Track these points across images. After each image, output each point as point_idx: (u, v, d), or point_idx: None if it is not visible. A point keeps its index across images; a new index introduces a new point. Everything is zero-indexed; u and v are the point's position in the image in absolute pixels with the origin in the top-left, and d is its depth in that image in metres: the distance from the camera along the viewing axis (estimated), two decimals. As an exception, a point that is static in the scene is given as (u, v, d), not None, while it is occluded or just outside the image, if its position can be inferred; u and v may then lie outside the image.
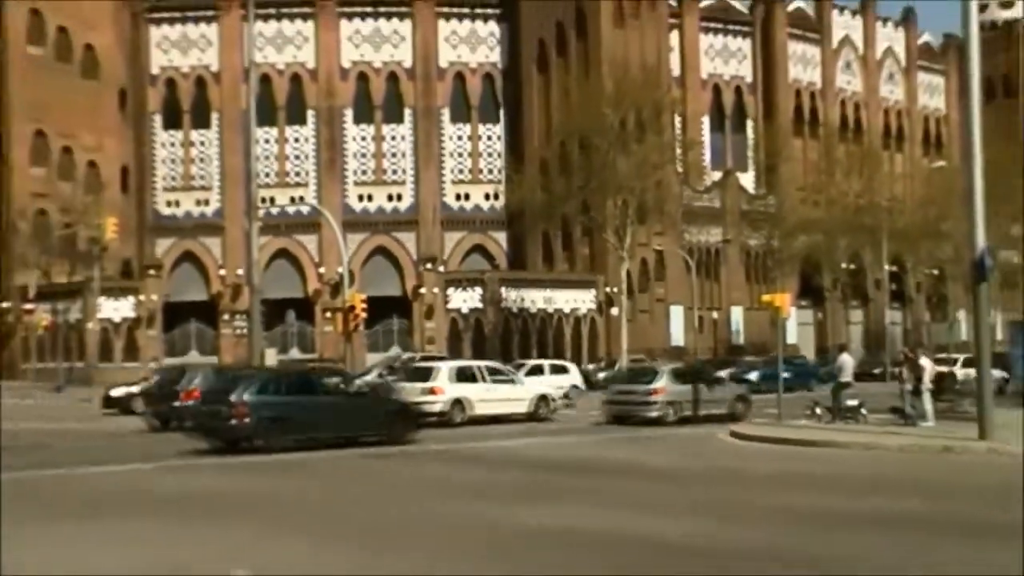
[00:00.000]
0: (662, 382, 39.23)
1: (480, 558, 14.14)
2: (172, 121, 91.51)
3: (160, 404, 40.25)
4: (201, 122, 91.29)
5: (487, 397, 40.85)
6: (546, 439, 34.42)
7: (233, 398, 30.58)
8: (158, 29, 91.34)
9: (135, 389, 46.15)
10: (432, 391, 39.75)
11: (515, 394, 42.94)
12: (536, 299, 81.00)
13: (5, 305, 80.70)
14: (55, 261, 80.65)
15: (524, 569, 13.27)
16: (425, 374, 42.48)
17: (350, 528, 16.73)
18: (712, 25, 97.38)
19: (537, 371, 55.48)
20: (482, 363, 48.96)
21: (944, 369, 36.94)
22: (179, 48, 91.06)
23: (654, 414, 38.18)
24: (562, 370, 58.04)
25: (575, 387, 54.82)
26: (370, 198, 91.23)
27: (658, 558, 13.64)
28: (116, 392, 47.87)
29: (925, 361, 35.17)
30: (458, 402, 39.62)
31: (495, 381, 42.97)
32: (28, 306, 77.98)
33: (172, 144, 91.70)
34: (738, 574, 12.89)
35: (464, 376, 42.18)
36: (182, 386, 38.71)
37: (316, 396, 33.52)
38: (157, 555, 14.17)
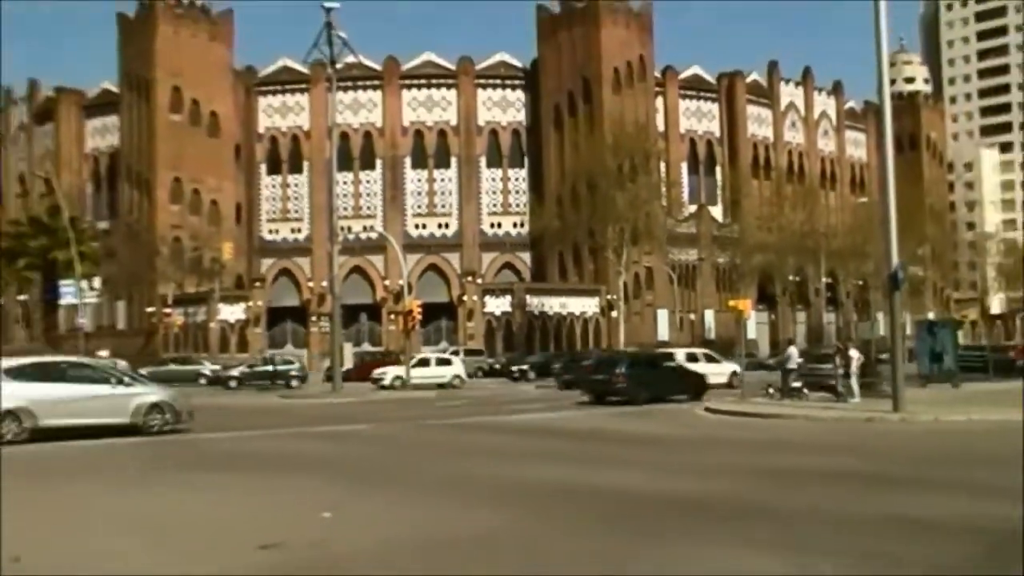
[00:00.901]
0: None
1: (507, 504, 13.87)
2: (274, 168, 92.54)
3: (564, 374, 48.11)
4: (295, 169, 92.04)
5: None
6: (550, 414, 32.95)
7: (617, 370, 37.81)
8: (264, 99, 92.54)
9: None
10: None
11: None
12: (553, 304, 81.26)
13: (150, 309, 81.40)
14: (187, 276, 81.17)
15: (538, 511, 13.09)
16: None
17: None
18: (688, 92, 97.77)
19: (423, 363, 53.50)
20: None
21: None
22: (279, 113, 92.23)
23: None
24: (446, 362, 56.01)
25: (458, 376, 53.19)
26: (424, 226, 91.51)
27: (660, 506, 13.39)
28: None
29: (853, 352, 35.69)
30: None
31: None
32: (167, 310, 78.52)
33: (273, 186, 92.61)
34: (719, 516, 12.50)
35: None
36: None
37: (658, 369, 40.49)
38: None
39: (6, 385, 23.68)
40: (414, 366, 50.82)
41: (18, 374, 24.89)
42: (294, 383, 54.94)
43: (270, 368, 57.07)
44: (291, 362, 61.10)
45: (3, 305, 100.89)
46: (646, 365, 40.88)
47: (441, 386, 50.69)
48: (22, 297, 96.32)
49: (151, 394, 26.65)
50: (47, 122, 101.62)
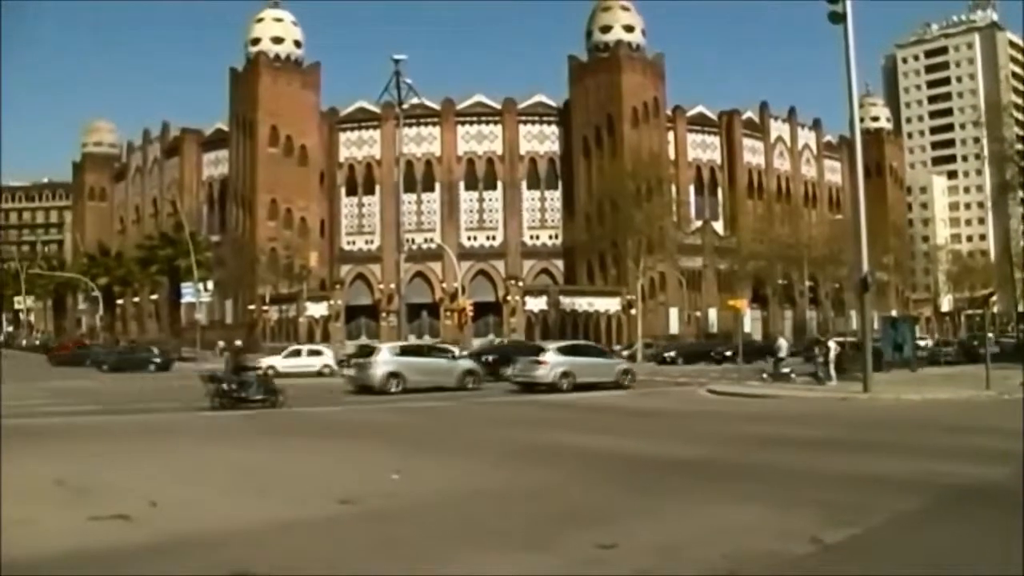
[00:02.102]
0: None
1: (534, 462, 14.24)
2: (351, 191, 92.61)
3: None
4: (369, 191, 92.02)
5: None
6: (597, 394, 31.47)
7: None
8: (344, 134, 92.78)
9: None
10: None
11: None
12: (582, 304, 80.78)
13: (251, 307, 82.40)
14: (280, 279, 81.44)
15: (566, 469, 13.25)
16: None
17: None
18: (694, 127, 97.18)
19: (295, 354, 48.19)
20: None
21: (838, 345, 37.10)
22: (356, 145, 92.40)
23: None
24: (317, 353, 49.99)
25: (327, 367, 45.89)
26: (475, 238, 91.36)
27: (665, 467, 13.58)
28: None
29: (831, 343, 35.70)
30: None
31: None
32: (265, 307, 79.82)
33: (351, 205, 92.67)
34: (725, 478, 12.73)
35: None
36: None
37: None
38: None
39: (389, 358, 32.65)
40: (287, 356, 47.12)
41: (395, 351, 33.98)
42: None
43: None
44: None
45: (139, 303, 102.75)
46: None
47: (314, 375, 44.76)
48: (153, 297, 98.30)
49: (468, 365, 35.21)
50: (174, 156, 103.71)
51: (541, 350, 34.79)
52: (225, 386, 24.59)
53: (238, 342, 38.17)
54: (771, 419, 22.05)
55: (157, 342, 69.56)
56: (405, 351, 34.86)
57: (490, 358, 41.41)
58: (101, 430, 19.96)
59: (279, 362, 44.85)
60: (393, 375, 31.66)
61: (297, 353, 48.79)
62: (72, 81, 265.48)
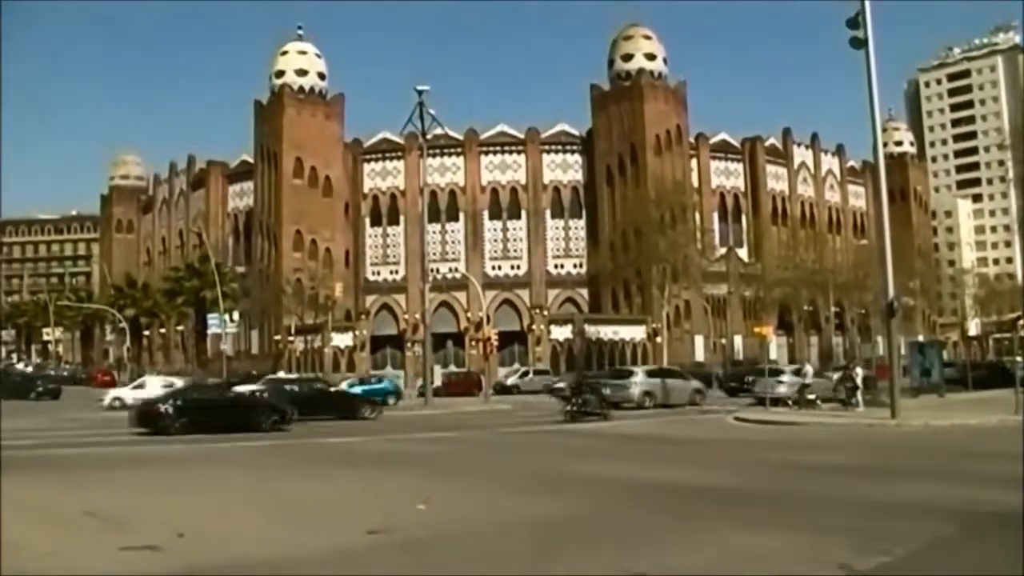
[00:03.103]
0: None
1: (575, 492, 14.31)
2: (376, 221, 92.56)
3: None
4: (393, 221, 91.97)
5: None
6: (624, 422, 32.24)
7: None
8: (368, 164, 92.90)
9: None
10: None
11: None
12: (607, 332, 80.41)
13: (277, 337, 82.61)
14: (306, 310, 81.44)
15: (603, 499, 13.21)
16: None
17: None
18: (717, 154, 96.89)
19: (141, 387, 44.47)
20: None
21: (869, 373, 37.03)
22: (380, 176, 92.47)
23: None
24: (169, 385, 42.08)
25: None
26: (499, 267, 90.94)
27: (699, 494, 13.63)
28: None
29: (858, 369, 35.52)
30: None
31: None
32: (290, 338, 79.99)
33: (376, 236, 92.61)
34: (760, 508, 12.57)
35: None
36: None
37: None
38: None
39: (643, 380, 39.93)
40: (135, 387, 45.21)
41: (648, 374, 41.92)
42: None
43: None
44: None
45: (165, 334, 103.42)
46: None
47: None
48: (180, 328, 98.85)
49: (696, 385, 42.63)
50: (200, 188, 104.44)
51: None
52: (573, 402, 31.81)
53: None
54: (799, 446, 21.99)
55: (184, 372, 69.83)
56: (653, 374, 42.99)
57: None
58: (130, 461, 20.14)
59: (136, 394, 41.49)
60: (647, 393, 39.28)
61: (141, 387, 45.23)
62: (100, 115, 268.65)
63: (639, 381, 40.26)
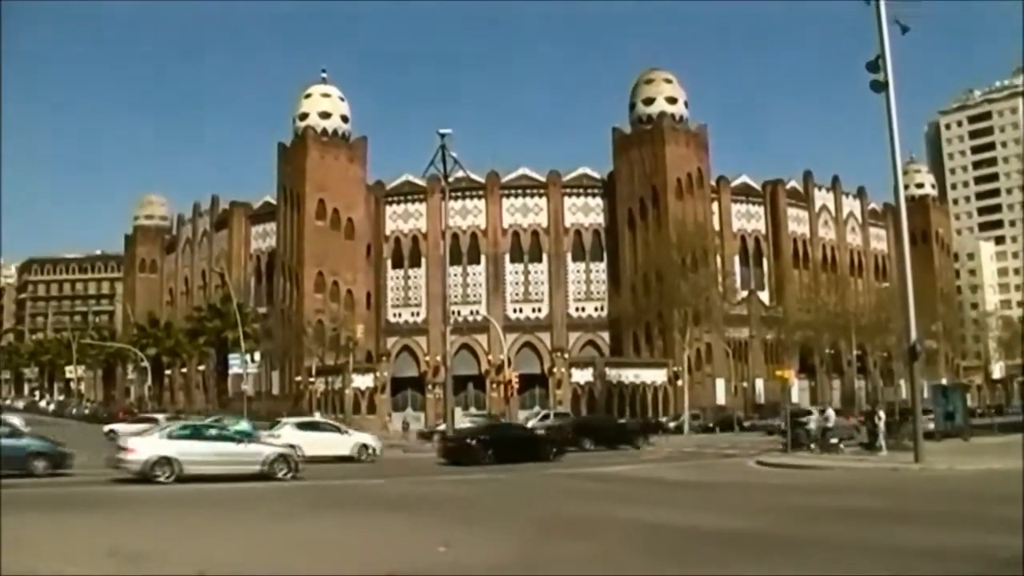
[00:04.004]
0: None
1: (585, 537, 14.32)
2: (397, 264, 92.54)
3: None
4: (415, 264, 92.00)
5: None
6: (634, 466, 32.87)
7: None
8: (390, 207, 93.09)
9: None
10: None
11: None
12: (628, 375, 79.91)
13: (298, 378, 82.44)
14: (327, 351, 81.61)
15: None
16: None
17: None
18: (738, 198, 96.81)
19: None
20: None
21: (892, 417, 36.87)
22: (402, 218, 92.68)
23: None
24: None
25: None
26: (521, 310, 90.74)
27: (723, 539, 13.59)
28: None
29: (881, 413, 35.33)
30: None
31: None
32: (311, 379, 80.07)
33: (397, 278, 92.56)
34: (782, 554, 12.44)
35: None
36: None
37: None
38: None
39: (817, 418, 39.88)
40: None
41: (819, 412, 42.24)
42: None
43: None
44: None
45: (187, 373, 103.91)
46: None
47: None
48: (201, 367, 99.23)
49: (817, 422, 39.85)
50: (223, 229, 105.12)
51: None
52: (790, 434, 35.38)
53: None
54: (823, 491, 21.92)
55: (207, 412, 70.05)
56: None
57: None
58: (155, 501, 20.22)
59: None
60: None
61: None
62: (126, 157, 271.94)
63: (815, 419, 40.49)
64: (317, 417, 52.57)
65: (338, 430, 38.63)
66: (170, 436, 25.34)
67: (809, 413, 43.98)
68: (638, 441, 45.67)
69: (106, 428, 51.20)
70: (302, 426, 37.55)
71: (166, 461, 23.99)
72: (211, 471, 24.35)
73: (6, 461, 24.14)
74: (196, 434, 26.43)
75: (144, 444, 24.66)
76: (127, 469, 24.05)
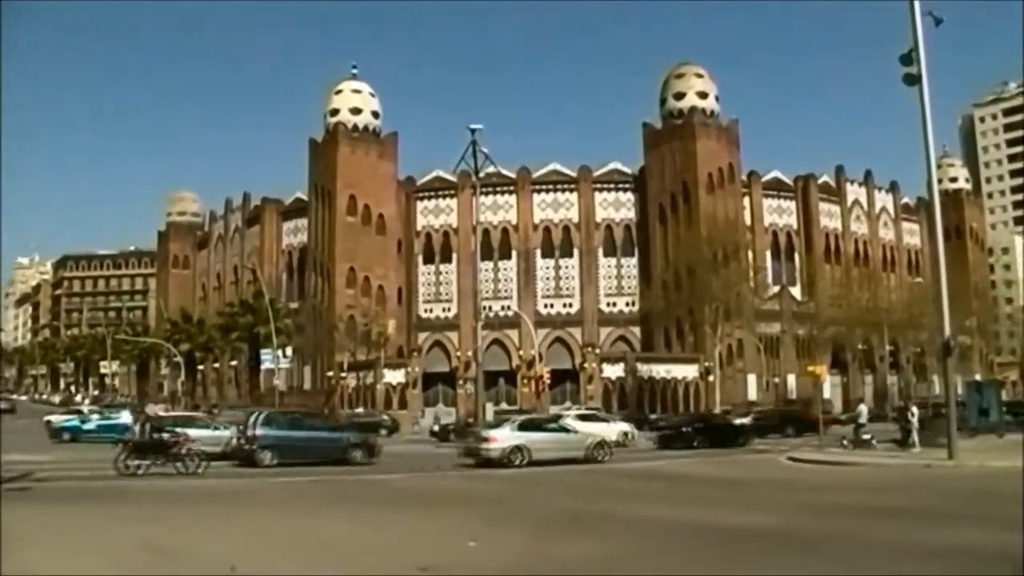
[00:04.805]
0: None
1: (616, 535, 14.15)
2: (428, 259, 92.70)
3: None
4: (446, 259, 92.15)
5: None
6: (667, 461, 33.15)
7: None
8: (421, 203, 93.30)
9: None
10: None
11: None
12: (659, 371, 79.79)
13: (330, 373, 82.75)
14: (358, 346, 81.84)
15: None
16: None
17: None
18: (770, 192, 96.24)
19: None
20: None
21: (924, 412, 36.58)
22: (433, 214, 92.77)
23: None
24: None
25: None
26: (552, 306, 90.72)
27: (754, 536, 13.55)
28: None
29: (914, 409, 35.13)
30: None
31: None
32: (343, 374, 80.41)
33: (428, 273, 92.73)
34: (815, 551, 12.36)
35: None
36: None
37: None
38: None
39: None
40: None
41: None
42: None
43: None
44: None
45: (219, 368, 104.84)
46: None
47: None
48: (233, 363, 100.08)
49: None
50: (254, 225, 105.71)
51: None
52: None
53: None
54: (855, 488, 21.89)
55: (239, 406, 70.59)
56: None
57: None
58: (185, 495, 20.51)
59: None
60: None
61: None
62: (159, 154, 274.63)
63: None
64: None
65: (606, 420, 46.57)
66: (520, 427, 30.69)
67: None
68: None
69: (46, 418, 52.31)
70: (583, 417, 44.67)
71: (519, 449, 29.13)
72: (550, 456, 29.24)
73: (328, 452, 29.08)
74: (536, 426, 31.86)
75: (502, 435, 29.90)
76: (486, 456, 29.14)
